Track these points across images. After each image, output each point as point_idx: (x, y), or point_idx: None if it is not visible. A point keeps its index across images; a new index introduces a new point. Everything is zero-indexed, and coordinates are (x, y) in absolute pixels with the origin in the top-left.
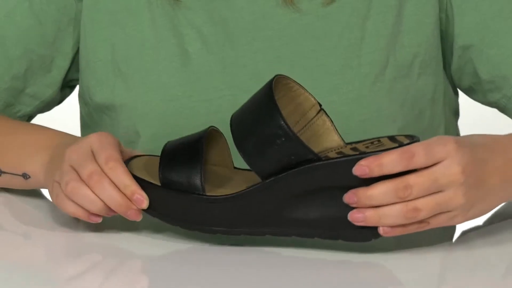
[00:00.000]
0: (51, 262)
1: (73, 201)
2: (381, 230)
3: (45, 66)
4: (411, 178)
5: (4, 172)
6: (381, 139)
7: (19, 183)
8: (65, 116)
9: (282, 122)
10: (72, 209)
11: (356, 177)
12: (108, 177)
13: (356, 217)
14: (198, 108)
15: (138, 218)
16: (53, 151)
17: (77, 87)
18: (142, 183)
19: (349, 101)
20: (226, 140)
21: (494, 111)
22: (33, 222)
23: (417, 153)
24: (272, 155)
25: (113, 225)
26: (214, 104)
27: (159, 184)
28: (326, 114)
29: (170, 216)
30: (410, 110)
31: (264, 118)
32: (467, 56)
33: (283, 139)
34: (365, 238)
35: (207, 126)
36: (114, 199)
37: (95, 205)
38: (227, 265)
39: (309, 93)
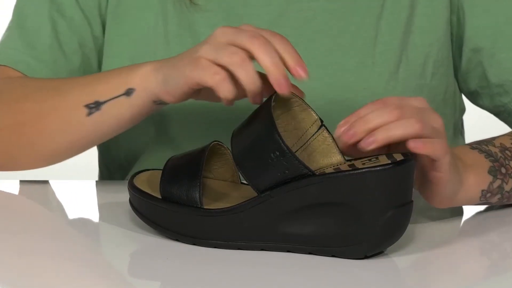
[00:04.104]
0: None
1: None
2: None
3: (93, 60)
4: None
5: (105, 102)
6: (379, 157)
7: (122, 108)
8: None
9: (277, 137)
10: (210, 76)
11: (348, 193)
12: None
13: (368, 142)
14: (213, 105)
15: (286, 88)
16: (162, 61)
17: None
18: (144, 196)
19: (364, 99)
20: (230, 153)
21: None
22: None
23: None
24: (267, 169)
25: (111, 227)
26: None
27: (160, 197)
28: (328, 130)
29: (170, 229)
30: None
31: (260, 132)
32: (477, 59)
33: (278, 153)
34: (358, 255)
35: (221, 123)
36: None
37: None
38: (225, 264)
39: (312, 108)
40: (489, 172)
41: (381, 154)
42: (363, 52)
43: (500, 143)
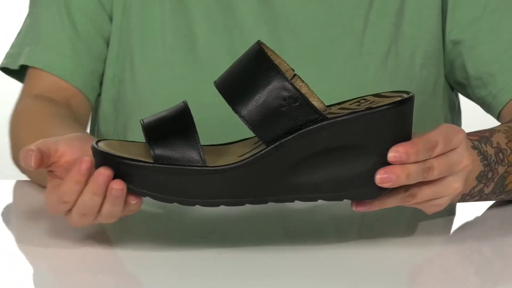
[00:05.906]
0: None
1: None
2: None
3: (107, 44)
4: (434, 162)
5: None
6: (366, 97)
7: None
8: None
9: (288, 84)
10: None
11: (363, 134)
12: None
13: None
14: (204, 89)
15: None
16: None
17: None
18: (128, 163)
19: (352, 89)
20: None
21: None
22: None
23: (439, 143)
24: (277, 118)
25: (110, 226)
26: None
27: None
28: (301, 79)
29: (167, 193)
30: None
31: (266, 82)
32: (458, 50)
33: (290, 100)
34: (372, 195)
35: (213, 107)
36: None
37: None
38: (225, 264)
39: (282, 59)
40: (477, 177)
41: (366, 95)
42: (352, 43)
43: (497, 143)
